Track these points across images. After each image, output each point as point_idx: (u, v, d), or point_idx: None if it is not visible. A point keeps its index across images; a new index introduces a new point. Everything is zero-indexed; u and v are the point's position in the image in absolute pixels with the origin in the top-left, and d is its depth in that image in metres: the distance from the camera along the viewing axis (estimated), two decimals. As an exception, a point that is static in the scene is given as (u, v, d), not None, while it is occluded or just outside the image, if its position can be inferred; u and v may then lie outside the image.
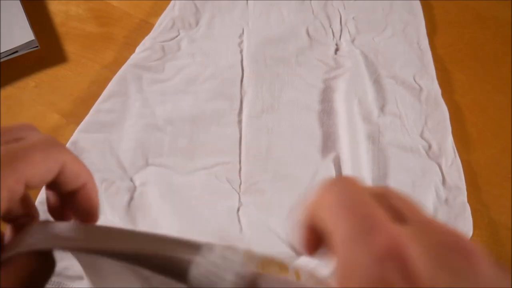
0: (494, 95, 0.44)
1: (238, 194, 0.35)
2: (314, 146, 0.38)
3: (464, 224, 0.33)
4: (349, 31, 0.47)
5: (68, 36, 0.49)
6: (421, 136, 0.39)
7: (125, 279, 0.16)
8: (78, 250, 0.16)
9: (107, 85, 0.40)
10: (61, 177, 0.17)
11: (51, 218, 0.19)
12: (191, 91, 0.41)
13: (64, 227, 0.17)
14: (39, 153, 0.16)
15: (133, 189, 0.34)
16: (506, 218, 0.36)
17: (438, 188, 0.35)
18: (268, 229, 0.33)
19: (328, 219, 0.13)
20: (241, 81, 0.42)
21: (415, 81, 0.42)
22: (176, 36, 0.45)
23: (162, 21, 0.46)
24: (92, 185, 0.19)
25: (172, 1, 0.49)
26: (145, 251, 0.15)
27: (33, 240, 0.16)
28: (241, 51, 0.44)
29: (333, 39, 0.46)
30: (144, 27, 0.48)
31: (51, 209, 0.19)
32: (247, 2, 0.50)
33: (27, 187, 0.16)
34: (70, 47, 0.47)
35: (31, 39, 0.44)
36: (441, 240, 0.12)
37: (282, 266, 0.15)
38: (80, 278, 0.30)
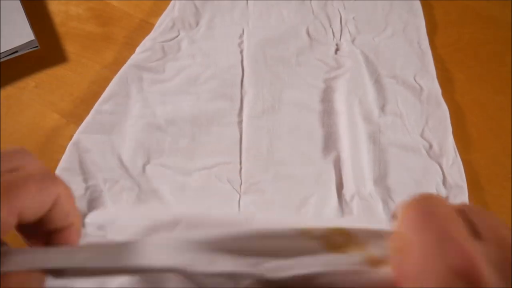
0: (494, 95, 0.44)
1: (239, 194, 0.35)
2: (315, 146, 0.38)
3: None
4: (349, 31, 0.47)
5: (68, 36, 0.49)
6: (422, 135, 0.39)
7: None
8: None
9: (107, 85, 0.40)
10: (51, 212, 0.16)
11: None
12: (192, 92, 0.41)
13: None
14: (34, 185, 0.15)
15: (138, 187, 0.34)
16: (506, 218, 0.36)
17: (439, 188, 0.35)
18: None
19: (408, 230, 0.13)
20: (242, 81, 0.42)
21: (415, 81, 0.42)
22: (176, 37, 0.45)
23: (162, 22, 0.46)
24: (77, 228, 0.18)
25: (172, 1, 0.49)
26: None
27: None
28: (241, 51, 0.44)
29: (333, 39, 0.47)
30: (144, 27, 0.48)
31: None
32: (247, 2, 0.50)
33: (21, 219, 0.15)
34: (70, 47, 0.47)
35: (31, 39, 0.44)
36: None
37: (346, 237, 0.15)
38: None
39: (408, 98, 0.41)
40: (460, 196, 0.35)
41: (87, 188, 0.34)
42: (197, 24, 0.47)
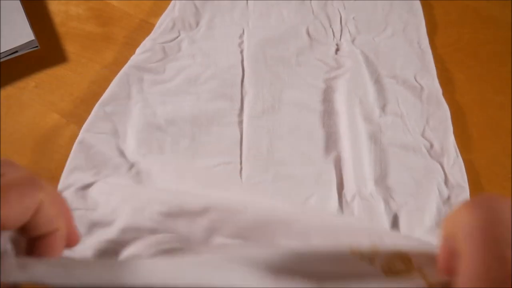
0: (494, 95, 0.44)
1: None
2: (315, 147, 0.38)
3: None
4: (349, 31, 0.47)
5: (68, 36, 0.49)
6: (423, 135, 0.39)
7: None
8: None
9: (107, 85, 0.40)
10: (34, 218, 0.16)
11: None
12: (192, 92, 0.41)
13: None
14: (14, 193, 0.15)
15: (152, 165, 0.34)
16: (506, 218, 0.36)
17: (441, 188, 0.35)
18: None
19: (463, 240, 0.13)
20: (242, 81, 0.42)
21: (416, 80, 0.42)
22: (177, 37, 0.45)
23: (162, 22, 0.46)
24: (62, 234, 0.17)
25: (172, 1, 0.49)
26: None
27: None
28: (241, 52, 0.44)
29: (333, 39, 0.47)
30: (144, 27, 0.48)
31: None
32: (247, 2, 0.50)
33: (3, 227, 0.15)
34: (70, 47, 0.47)
35: (31, 39, 0.44)
36: None
37: (406, 262, 0.16)
38: None
39: (408, 98, 0.41)
40: (462, 195, 0.35)
41: (96, 180, 0.33)
42: (197, 24, 0.47)
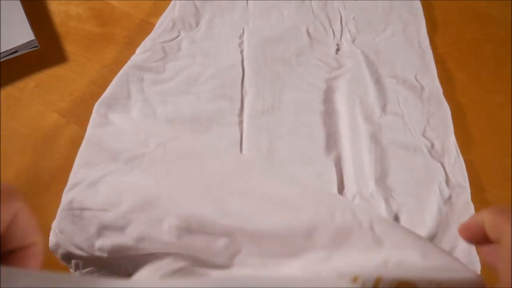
0: (494, 95, 0.44)
1: None
2: (315, 146, 0.38)
3: None
4: (349, 31, 0.47)
5: (68, 36, 0.49)
6: (424, 135, 0.39)
7: None
8: None
9: (107, 85, 0.40)
10: (9, 230, 0.15)
11: None
12: (192, 92, 0.40)
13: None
14: None
15: (164, 151, 0.33)
16: (506, 218, 0.36)
17: (442, 187, 0.35)
18: None
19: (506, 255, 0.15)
20: (242, 81, 0.42)
21: (416, 80, 0.42)
22: (177, 37, 0.45)
23: (163, 22, 0.46)
24: (39, 249, 0.16)
25: (172, 1, 0.49)
26: None
27: None
28: (241, 52, 0.44)
29: (333, 39, 0.47)
30: (144, 27, 0.48)
31: None
32: (247, 2, 0.50)
33: None
34: (70, 47, 0.47)
35: (31, 39, 0.44)
36: None
37: None
38: None
39: (409, 97, 0.41)
40: (463, 195, 0.35)
41: (107, 174, 0.32)
42: (197, 24, 0.47)
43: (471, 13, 0.52)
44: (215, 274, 0.27)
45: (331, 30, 0.47)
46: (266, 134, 0.38)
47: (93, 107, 0.38)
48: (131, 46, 0.46)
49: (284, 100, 0.41)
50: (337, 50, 0.46)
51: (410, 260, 0.23)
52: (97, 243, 0.30)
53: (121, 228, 0.29)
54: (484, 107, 0.43)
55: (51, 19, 0.50)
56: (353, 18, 0.48)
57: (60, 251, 0.30)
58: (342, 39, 0.46)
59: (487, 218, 0.17)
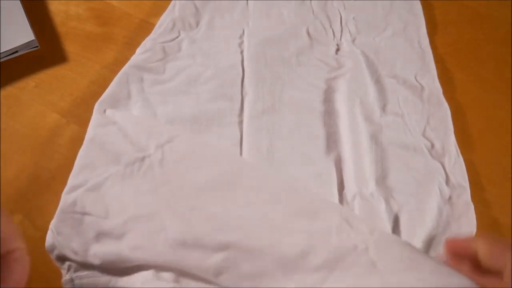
0: (494, 94, 0.44)
1: None
2: (315, 147, 0.38)
3: (468, 223, 0.33)
4: (349, 31, 0.47)
5: (68, 36, 0.49)
6: (424, 135, 0.39)
7: None
8: None
9: (107, 85, 0.40)
10: None
11: None
12: (192, 92, 0.40)
13: None
14: None
15: (162, 155, 0.33)
16: (506, 218, 0.36)
17: (442, 188, 0.35)
18: None
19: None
20: (242, 81, 0.42)
21: (416, 80, 0.42)
22: (177, 37, 0.45)
23: (163, 22, 0.46)
24: (23, 256, 0.16)
25: (172, 1, 0.49)
26: None
27: None
28: (241, 52, 0.44)
29: (333, 39, 0.46)
30: (144, 27, 0.48)
31: None
32: (247, 2, 0.50)
33: None
34: (70, 47, 0.47)
35: (31, 39, 0.44)
36: None
37: None
38: None
39: (409, 97, 0.41)
40: (463, 195, 0.35)
41: (108, 178, 0.32)
42: (197, 24, 0.47)
43: (471, 13, 0.52)
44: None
45: (331, 30, 0.47)
46: (266, 134, 0.38)
47: (93, 107, 0.38)
48: (131, 46, 0.46)
49: (284, 100, 0.41)
50: (337, 50, 0.45)
51: (404, 283, 0.23)
52: (93, 249, 0.30)
53: (118, 236, 0.30)
54: (484, 107, 0.43)
55: (51, 19, 0.50)
56: (353, 18, 0.48)
57: (55, 252, 0.30)
58: (342, 39, 0.46)
59: (483, 248, 0.18)
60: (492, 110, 0.43)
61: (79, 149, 0.34)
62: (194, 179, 0.31)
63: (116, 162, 0.33)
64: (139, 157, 0.33)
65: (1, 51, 0.42)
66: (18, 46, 0.43)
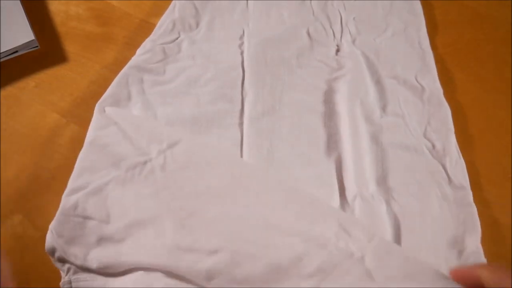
0: (494, 94, 0.44)
1: None
2: (316, 148, 0.37)
3: (472, 225, 0.33)
4: (350, 32, 0.47)
5: (68, 36, 0.49)
6: (425, 136, 0.38)
7: None
8: None
9: (107, 85, 0.40)
10: None
11: None
12: (192, 93, 0.40)
13: None
14: None
15: (164, 160, 0.33)
16: (506, 218, 0.36)
17: (443, 189, 0.35)
18: None
19: None
20: (242, 82, 0.42)
21: (417, 81, 0.42)
22: (177, 38, 0.45)
23: (163, 23, 0.46)
24: (5, 274, 0.16)
25: (172, 1, 0.49)
26: None
27: None
28: (241, 53, 0.44)
29: (334, 40, 0.46)
30: (144, 27, 0.48)
31: None
32: (247, 3, 0.50)
33: None
34: (70, 47, 0.47)
35: (31, 39, 0.44)
36: None
37: None
38: None
39: (409, 98, 0.41)
40: (465, 197, 0.34)
41: (109, 181, 0.32)
42: (197, 25, 0.47)
43: (471, 13, 0.52)
44: None
45: (331, 31, 0.47)
46: (267, 136, 0.38)
47: (93, 107, 0.38)
48: (131, 46, 0.46)
49: (284, 101, 0.41)
50: (337, 51, 0.45)
51: None
52: (93, 253, 0.30)
53: (119, 241, 0.30)
54: (484, 107, 0.43)
55: (51, 19, 0.50)
56: (353, 18, 0.48)
57: (56, 254, 0.31)
58: (342, 40, 0.46)
59: (486, 276, 0.19)
60: (492, 110, 0.43)
61: (79, 149, 0.34)
62: (195, 184, 0.31)
63: (117, 165, 0.33)
64: (140, 161, 0.33)
65: (1, 51, 0.42)
66: (18, 46, 0.43)
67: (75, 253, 0.30)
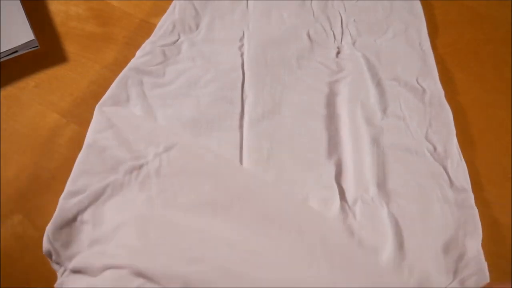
0: (494, 95, 0.44)
1: None
2: (316, 150, 0.37)
3: (473, 227, 0.33)
4: (350, 34, 0.47)
5: (68, 36, 0.49)
6: (426, 138, 0.38)
7: None
8: None
9: (107, 85, 0.40)
10: None
11: None
12: (192, 95, 0.40)
13: None
14: None
15: (159, 163, 0.34)
16: (506, 218, 0.36)
17: (444, 191, 0.35)
18: None
19: None
20: (242, 84, 0.41)
21: (418, 82, 0.42)
22: (177, 40, 0.45)
23: (163, 25, 0.46)
24: None
25: (173, 2, 0.49)
26: None
27: None
28: (241, 55, 0.44)
29: (334, 41, 0.46)
30: (144, 27, 0.48)
31: None
32: (247, 3, 0.50)
33: None
34: (70, 47, 0.47)
35: (31, 39, 0.44)
36: None
37: None
38: None
39: (410, 100, 0.41)
40: (467, 199, 0.34)
41: (107, 186, 0.33)
42: (197, 26, 0.47)
43: (471, 13, 0.52)
44: None
45: (332, 32, 0.47)
46: (267, 138, 0.38)
47: (93, 107, 0.38)
48: (131, 46, 0.46)
49: (284, 103, 0.40)
50: (338, 53, 0.45)
51: None
52: (83, 254, 0.30)
53: (107, 241, 0.30)
54: (484, 107, 0.43)
55: (51, 19, 0.50)
56: (354, 20, 0.48)
57: (53, 257, 0.31)
58: (342, 42, 0.46)
59: None
60: (492, 110, 0.43)
61: (79, 149, 0.35)
62: (188, 194, 0.32)
63: (115, 169, 0.33)
64: (136, 165, 0.34)
65: (1, 51, 0.42)
66: (18, 46, 0.43)
67: (69, 256, 0.30)
